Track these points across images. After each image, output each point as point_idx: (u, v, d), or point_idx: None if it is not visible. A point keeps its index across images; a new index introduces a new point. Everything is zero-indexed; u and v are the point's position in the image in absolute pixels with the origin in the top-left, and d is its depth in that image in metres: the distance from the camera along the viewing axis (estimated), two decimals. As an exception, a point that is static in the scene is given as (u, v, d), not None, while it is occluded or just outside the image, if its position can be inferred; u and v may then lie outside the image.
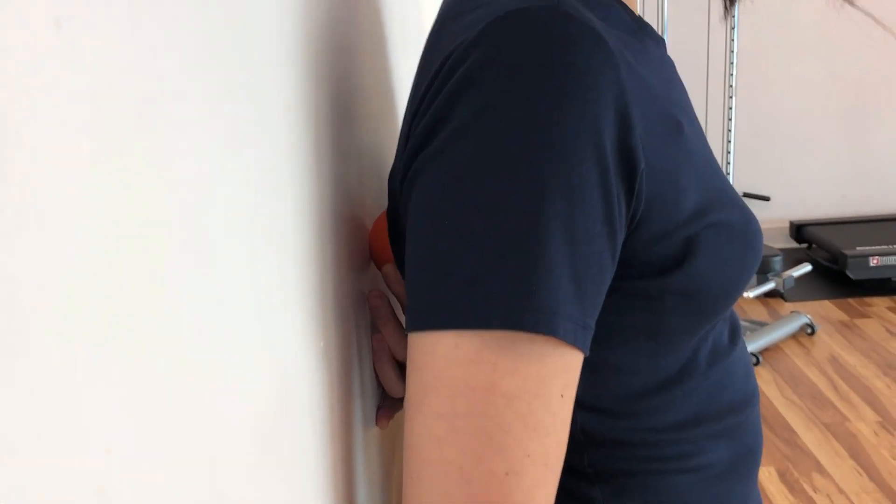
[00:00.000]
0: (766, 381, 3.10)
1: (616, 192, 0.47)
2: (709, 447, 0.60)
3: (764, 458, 2.60)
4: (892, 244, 3.82)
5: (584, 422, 0.57)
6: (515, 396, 0.44)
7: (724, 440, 0.62)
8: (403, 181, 0.53)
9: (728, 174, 3.92)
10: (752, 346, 3.20)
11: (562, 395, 0.45)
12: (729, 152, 3.84)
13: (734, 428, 0.62)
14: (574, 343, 0.45)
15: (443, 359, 0.45)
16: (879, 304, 3.73)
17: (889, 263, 3.75)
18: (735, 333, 0.65)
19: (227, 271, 0.36)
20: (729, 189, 0.58)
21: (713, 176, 0.57)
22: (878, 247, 3.80)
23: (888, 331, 3.45)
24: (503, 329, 0.44)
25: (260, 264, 0.41)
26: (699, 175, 0.54)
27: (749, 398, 0.64)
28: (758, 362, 3.22)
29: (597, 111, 0.46)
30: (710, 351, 0.60)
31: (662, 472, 0.59)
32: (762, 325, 3.35)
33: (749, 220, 0.58)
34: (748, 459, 0.64)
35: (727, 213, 0.56)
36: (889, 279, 3.82)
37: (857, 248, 3.79)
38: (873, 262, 3.74)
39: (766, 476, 2.50)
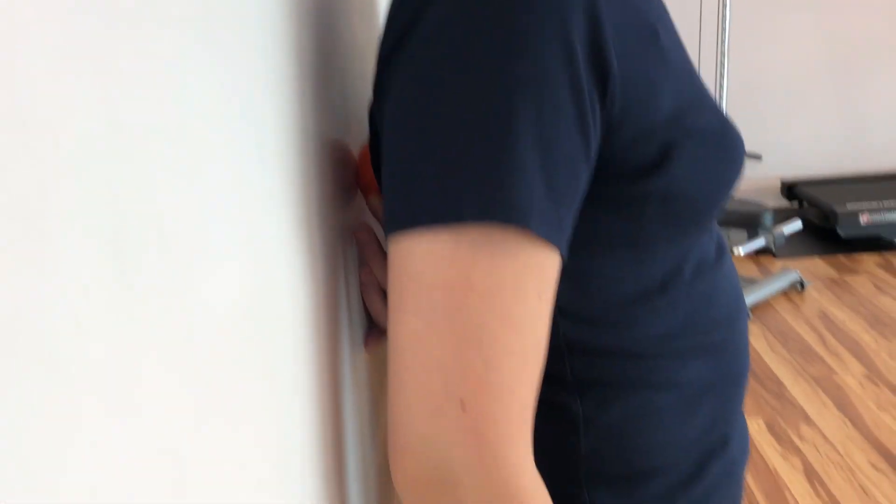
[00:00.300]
0: (756, 336, 3.13)
1: (588, 96, 0.48)
2: (690, 364, 0.61)
3: (752, 410, 2.64)
4: (883, 201, 3.84)
5: (567, 331, 0.58)
6: (491, 293, 0.45)
7: (707, 358, 0.62)
8: (377, 93, 0.54)
9: (720, 132, 3.91)
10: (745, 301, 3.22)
11: (539, 295, 0.46)
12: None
13: (719, 346, 0.63)
14: (548, 238, 0.46)
15: (419, 259, 0.46)
16: (869, 260, 3.76)
17: (879, 221, 3.77)
18: (721, 251, 0.65)
19: (213, 181, 0.37)
20: (706, 97, 0.59)
21: (690, 83, 0.57)
22: (868, 204, 3.82)
23: (877, 287, 3.48)
24: (476, 221, 0.45)
25: (244, 176, 0.42)
26: (675, 80, 0.55)
27: (734, 317, 0.65)
28: (748, 318, 3.25)
29: (564, 12, 0.46)
30: (696, 265, 0.61)
31: (644, 387, 0.60)
32: (753, 281, 3.37)
33: (727, 127, 0.59)
34: (731, 382, 0.65)
35: (704, 119, 0.57)
36: (879, 236, 3.84)
37: (848, 206, 3.80)
38: (863, 219, 3.77)
39: (755, 427, 2.54)
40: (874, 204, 3.81)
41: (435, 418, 0.45)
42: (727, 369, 0.64)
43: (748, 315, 3.18)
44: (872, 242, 3.88)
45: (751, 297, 3.26)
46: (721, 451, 0.65)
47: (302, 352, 0.50)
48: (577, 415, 0.60)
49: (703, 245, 0.62)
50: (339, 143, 0.67)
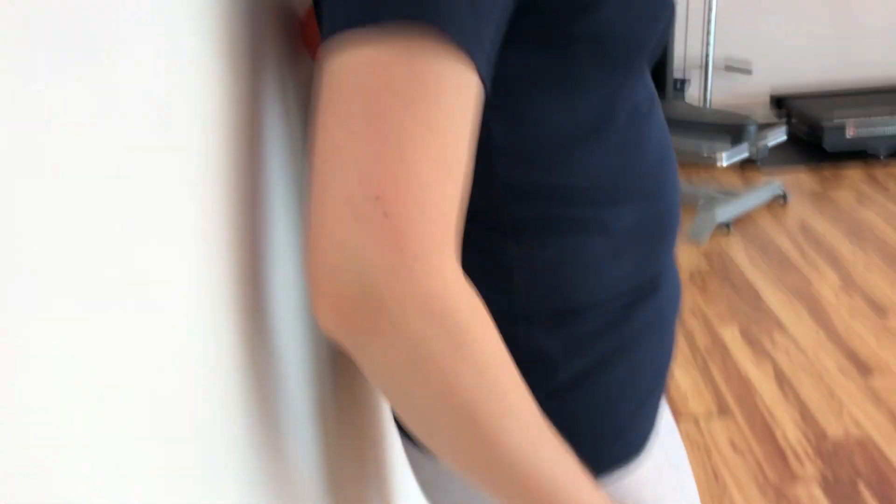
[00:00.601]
0: (736, 249, 3.16)
1: None
2: (620, 208, 0.63)
3: (727, 318, 2.68)
4: (870, 112, 3.82)
5: (504, 171, 0.60)
6: (411, 97, 0.45)
7: (636, 204, 0.64)
8: None
9: (709, 43, 3.87)
10: (725, 214, 3.25)
11: (460, 109, 0.46)
12: (710, 21, 3.78)
13: (648, 193, 0.65)
14: (467, 49, 0.46)
15: (342, 67, 0.46)
16: (853, 173, 3.77)
17: (865, 133, 3.76)
18: (653, 103, 0.67)
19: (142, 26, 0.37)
20: None
21: None
22: (855, 117, 3.81)
23: (859, 200, 3.50)
24: (394, 21, 0.44)
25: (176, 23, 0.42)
26: None
27: (664, 166, 0.67)
28: (728, 230, 3.28)
29: None
30: (628, 113, 0.62)
31: (575, 230, 0.62)
32: (736, 194, 3.38)
33: None
34: (659, 229, 0.67)
35: None
36: (864, 149, 3.84)
37: (835, 119, 3.79)
38: (850, 132, 3.76)
39: (729, 334, 2.59)
40: (861, 116, 3.80)
41: (354, 222, 0.44)
42: (656, 216, 0.66)
43: (732, 213, 3.20)
44: (858, 155, 3.89)
45: (733, 210, 3.27)
46: (649, 295, 0.67)
47: (222, 169, 0.50)
48: (511, 256, 0.62)
49: (636, 94, 0.64)
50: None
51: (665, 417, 0.87)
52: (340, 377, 0.82)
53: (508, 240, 0.62)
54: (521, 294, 0.63)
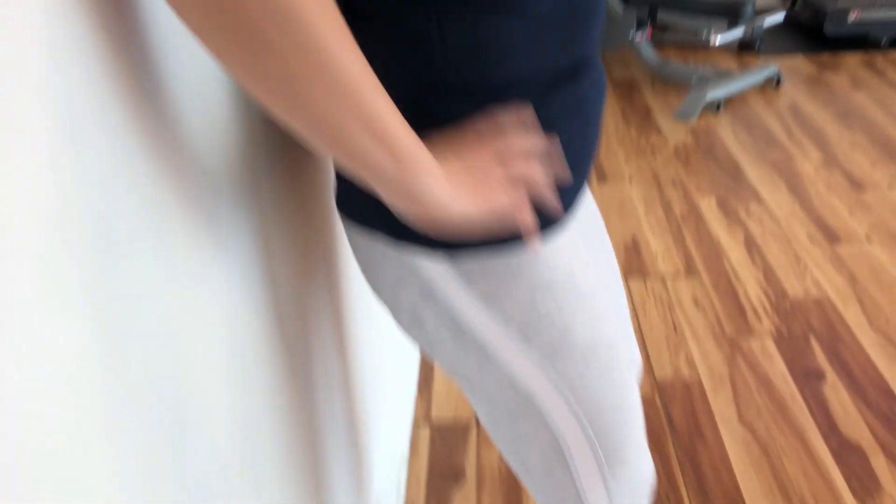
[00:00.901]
0: (724, 127, 3.18)
1: None
2: None
3: (706, 189, 2.73)
4: (874, -1, 3.76)
5: None
6: None
7: None
8: None
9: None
10: (716, 93, 3.25)
11: None
12: None
13: None
14: None
15: None
16: (852, 59, 3.73)
17: (868, 18, 3.71)
18: None
19: None
20: None
21: None
22: (859, 2, 3.75)
23: (854, 84, 3.49)
24: None
25: None
26: None
27: None
28: (718, 109, 3.29)
29: None
30: None
31: (495, 11, 0.65)
32: (729, 74, 3.37)
33: None
34: (580, 18, 0.70)
35: None
36: (866, 34, 3.80)
37: (839, 4, 3.73)
38: (852, 17, 3.71)
39: (706, 204, 2.64)
40: (865, 2, 3.74)
41: None
42: (575, 5, 0.70)
43: (724, 93, 3.20)
44: (859, 42, 3.85)
45: (725, 90, 3.28)
46: (569, 82, 0.72)
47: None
48: (432, 33, 0.65)
49: None
50: None
51: (588, 209, 0.92)
52: (279, 161, 0.83)
53: (430, 16, 0.64)
54: (443, 68, 0.66)
